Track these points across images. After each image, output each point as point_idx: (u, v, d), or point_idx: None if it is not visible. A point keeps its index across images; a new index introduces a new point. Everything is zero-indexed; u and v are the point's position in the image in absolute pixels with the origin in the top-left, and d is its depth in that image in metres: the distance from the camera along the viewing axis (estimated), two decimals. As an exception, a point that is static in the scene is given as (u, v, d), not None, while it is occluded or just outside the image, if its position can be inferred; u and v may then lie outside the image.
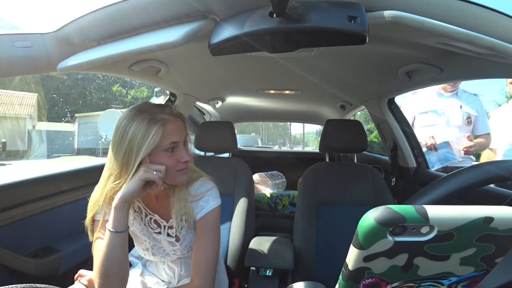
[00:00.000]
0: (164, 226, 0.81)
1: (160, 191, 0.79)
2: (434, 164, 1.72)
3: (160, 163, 0.69)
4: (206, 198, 0.79)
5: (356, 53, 0.97)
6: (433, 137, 1.77)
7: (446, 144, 1.76)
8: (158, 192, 0.79)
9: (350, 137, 1.35)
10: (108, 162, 0.71)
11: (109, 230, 0.66)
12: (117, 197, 0.66)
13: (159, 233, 0.81)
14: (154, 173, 0.67)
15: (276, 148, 6.55)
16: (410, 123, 1.89)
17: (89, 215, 0.73)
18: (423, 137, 1.80)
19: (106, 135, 12.54)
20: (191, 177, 0.80)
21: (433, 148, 1.74)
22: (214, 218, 0.80)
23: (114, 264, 0.66)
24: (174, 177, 0.74)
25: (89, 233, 0.75)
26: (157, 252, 0.83)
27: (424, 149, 1.74)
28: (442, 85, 1.88)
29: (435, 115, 1.86)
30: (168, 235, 0.81)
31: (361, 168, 1.34)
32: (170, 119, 0.71)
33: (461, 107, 1.86)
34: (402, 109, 1.66)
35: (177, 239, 0.82)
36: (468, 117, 1.86)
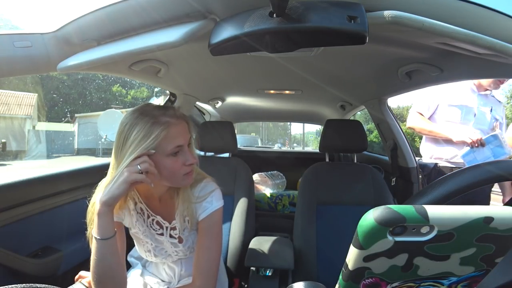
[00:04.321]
0: (167, 228, 0.80)
1: (164, 193, 0.79)
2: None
3: (164, 168, 0.69)
4: (210, 199, 0.79)
5: (356, 53, 0.97)
6: (476, 132, 1.55)
7: (495, 137, 1.53)
8: (161, 193, 0.79)
9: (350, 137, 1.35)
10: (111, 168, 0.70)
11: (96, 238, 0.63)
12: (99, 203, 0.63)
13: (162, 234, 0.81)
14: (139, 167, 0.63)
15: (276, 148, 6.54)
16: (426, 111, 1.73)
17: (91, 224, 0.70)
18: (456, 133, 1.58)
19: (106, 135, 12.52)
20: (194, 179, 0.79)
21: (479, 144, 1.52)
22: (216, 219, 0.80)
23: (106, 272, 0.65)
24: (179, 181, 0.73)
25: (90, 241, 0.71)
26: (159, 254, 0.83)
27: (464, 149, 1.55)
28: (479, 81, 1.68)
29: (465, 112, 1.65)
30: (171, 236, 0.81)
31: (361, 168, 1.34)
32: (174, 122, 0.69)
33: (491, 110, 1.69)
34: (417, 95, 1.48)
35: (180, 240, 0.82)
36: (496, 122, 1.69)
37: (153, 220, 0.80)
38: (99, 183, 0.74)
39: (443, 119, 1.70)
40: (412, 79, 1.10)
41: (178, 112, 0.73)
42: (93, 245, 0.65)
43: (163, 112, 0.69)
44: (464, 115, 1.66)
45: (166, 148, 0.68)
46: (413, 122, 1.78)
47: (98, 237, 0.64)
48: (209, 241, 0.78)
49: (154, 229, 0.81)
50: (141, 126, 0.66)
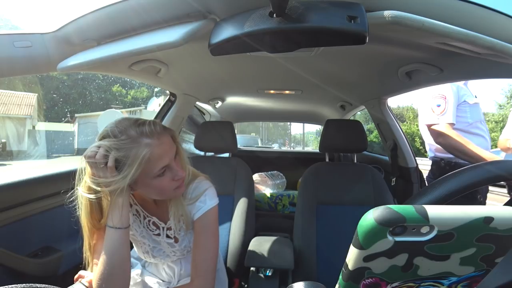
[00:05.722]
0: (163, 228, 0.81)
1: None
2: None
3: (152, 189, 0.68)
4: (203, 198, 0.78)
5: (356, 53, 0.97)
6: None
7: None
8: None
9: (350, 137, 1.35)
10: None
11: (115, 228, 0.64)
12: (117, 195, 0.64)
13: (158, 234, 0.81)
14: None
15: (275, 147, 6.54)
16: (454, 118, 1.40)
17: (87, 240, 0.69)
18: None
19: (106, 135, 12.46)
20: (186, 180, 0.78)
21: None
22: (212, 218, 0.79)
23: (120, 264, 0.64)
24: (171, 195, 0.72)
25: (90, 259, 0.70)
26: (157, 254, 0.83)
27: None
28: None
29: (479, 107, 1.51)
30: (167, 236, 0.81)
31: (361, 168, 1.34)
32: (155, 143, 0.64)
33: (475, 97, 1.53)
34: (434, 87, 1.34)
35: (176, 240, 0.82)
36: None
37: (149, 221, 0.80)
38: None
39: (472, 119, 1.45)
40: (412, 79, 1.10)
41: (157, 127, 0.66)
42: (109, 237, 0.64)
43: (141, 132, 0.63)
44: (479, 111, 1.51)
45: (151, 171, 0.65)
46: (448, 139, 1.37)
47: (118, 227, 0.64)
48: (206, 240, 0.77)
49: (151, 230, 0.81)
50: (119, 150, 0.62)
